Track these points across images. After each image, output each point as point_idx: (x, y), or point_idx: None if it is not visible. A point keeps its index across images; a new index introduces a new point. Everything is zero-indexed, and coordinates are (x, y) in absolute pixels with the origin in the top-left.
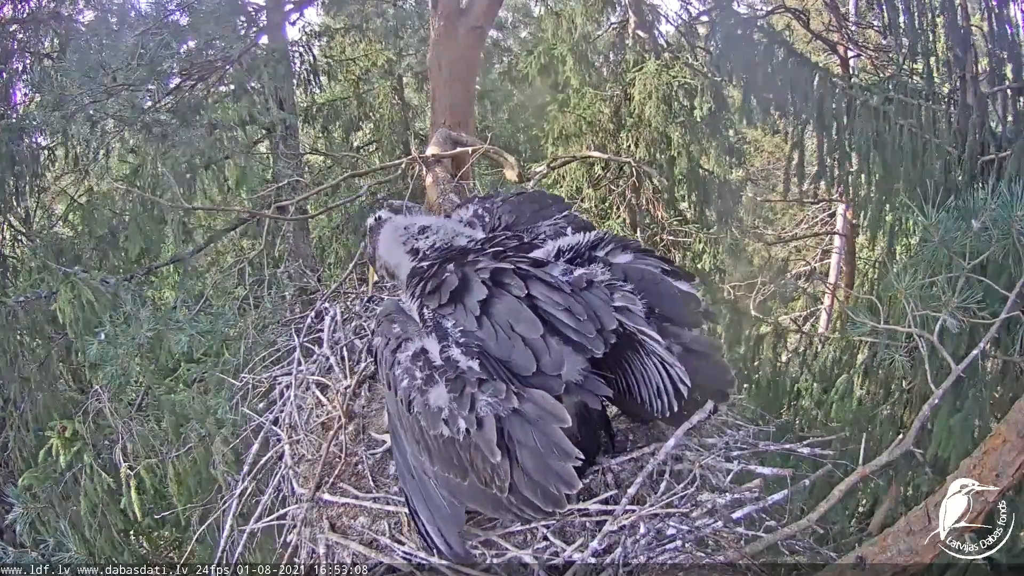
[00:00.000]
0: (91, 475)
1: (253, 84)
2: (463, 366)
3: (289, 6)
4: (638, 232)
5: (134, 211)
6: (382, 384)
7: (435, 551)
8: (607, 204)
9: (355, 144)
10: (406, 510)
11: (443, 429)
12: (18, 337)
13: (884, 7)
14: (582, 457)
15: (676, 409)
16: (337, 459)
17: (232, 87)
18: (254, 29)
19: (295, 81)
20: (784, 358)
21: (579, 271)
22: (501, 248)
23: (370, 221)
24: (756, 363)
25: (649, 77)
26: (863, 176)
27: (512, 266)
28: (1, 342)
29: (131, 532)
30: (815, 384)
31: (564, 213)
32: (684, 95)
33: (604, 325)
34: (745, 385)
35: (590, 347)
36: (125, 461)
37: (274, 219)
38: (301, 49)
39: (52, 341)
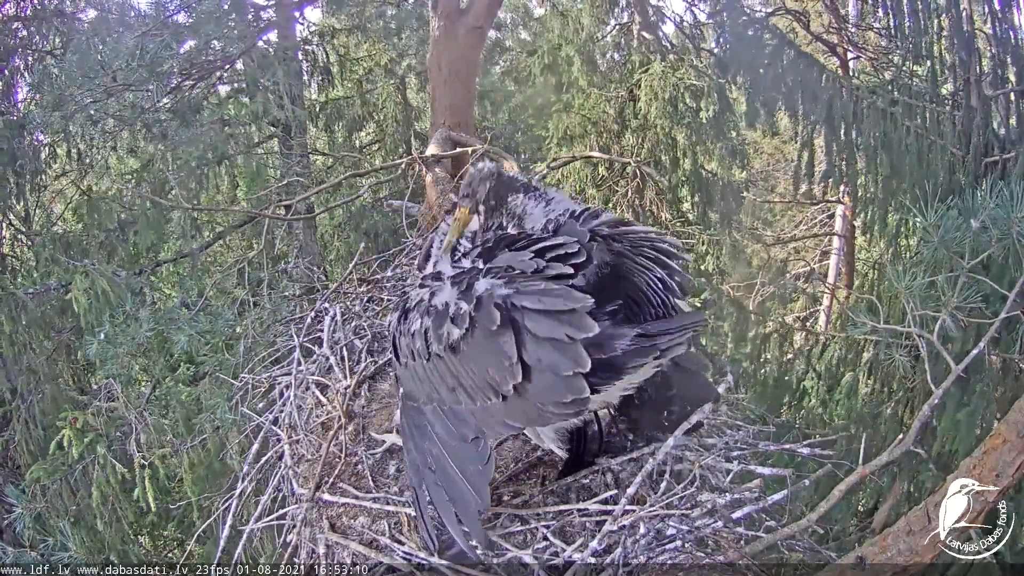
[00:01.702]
0: (104, 466)
1: (264, 81)
2: (471, 267)
3: (293, 4)
4: None
5: (143, 206)
6: (399, 361)
7: (440, 546)
8: (610, 205)
9: (358, 144)
10: (411, 511)
11: (451, 329)
12: (26, 330)
13: (889, 10)
14: (592, 300)
15: (678, 294)
16: (337, 459)
17: (243, 84)
18: (257, 27)
19: (305, 79)
20: (788, 357)
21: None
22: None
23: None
24: (762, 360)
25: (655, 78)
26: (869, 176)
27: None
28: (9, 335)
29: (136, 530)
30: (820, 383)
31: None
32: (690, 96)
33: (579, 237)
34: (751, 384)
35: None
36: (139, 452)
37: (275, 219)
38: (314, 47)
39: (59, 335)
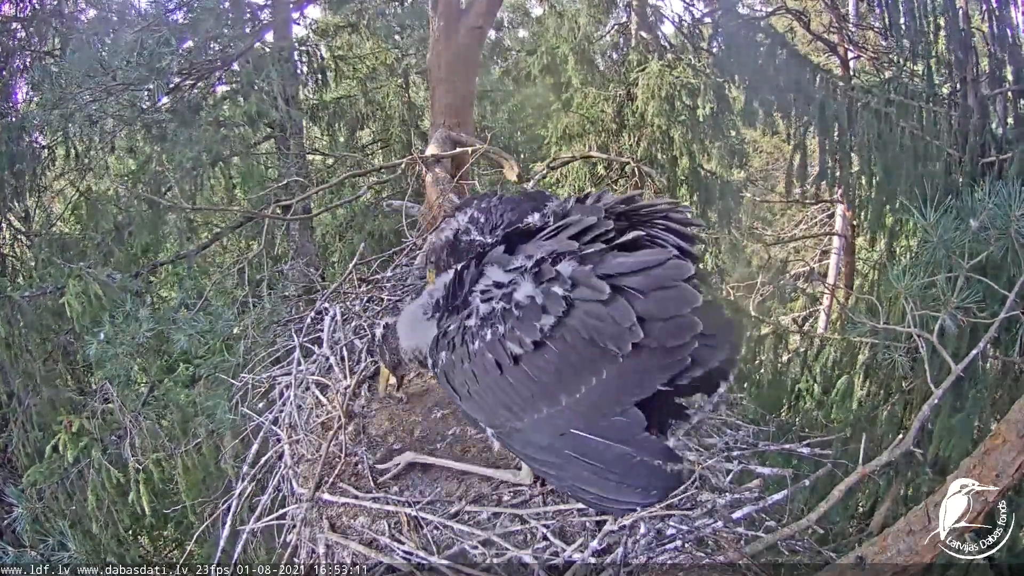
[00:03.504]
0: (99, 470)
1: (259, 82)
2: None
3: (291, 4)
4: None
5: (139, 207)
6: (457, 394)
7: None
8: None
9: (361, 143)
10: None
11: (544, 320)
12: (23, 332)
13: (886, 9)
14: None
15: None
16: (337, 459)
17: (237, 85)
18: (256, 27)
19: (301, 79)
20: (785, 359)
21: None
22: None
23: (378, 331)
24: (757, 363)
25: (652, 77)
26: (864, 177)
27: None
28: (5, 338)
29: (132, 531)
30: (816, 385)
31: None
32: (687, 95)
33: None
34: (745, 385)
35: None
36: (133, 456)
37: (275, 219)
38: (308, 47)
39: (56, 337)
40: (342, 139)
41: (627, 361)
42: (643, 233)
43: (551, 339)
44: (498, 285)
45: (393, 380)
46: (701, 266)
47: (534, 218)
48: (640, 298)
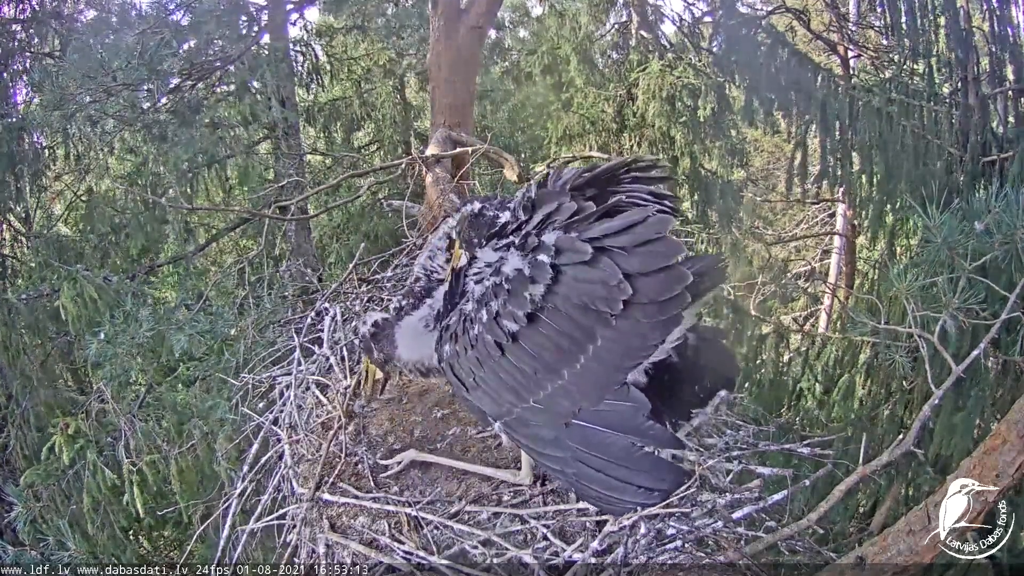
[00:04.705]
0: (95, 471)
1: (255, 83)
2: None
3: (290, 6)
4: None
5: (135, 209)
6: (464, 386)
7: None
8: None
9: (357, 144)
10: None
11: (533, 290)
12: (20, 335)
13: (886, 8)
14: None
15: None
16: (337, 459)
17: (233, 86)
18: (255, 29)
19: (296, 80)
20: (786, 358)
21: None
22: None
23: (364, 329)
24: (758, 362)
25: (653, 77)
26: (865, 176)
27: None
28: (3, 340)
29: (131, 531)
30: (817, 384)
31: None
32: (688, 95)
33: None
34: (747, 385)
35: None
36: (128, 458)
37: (274, 219)
38: (303, 48)
39: (54, 339)
40: (339, 140)
41: (621, 321)
42: (622, 198)
43: (543, 310)
44: (488, 264)
45: (380, 376)
46: (680, 203)
47: (505, 216)
48: (625, 255)
